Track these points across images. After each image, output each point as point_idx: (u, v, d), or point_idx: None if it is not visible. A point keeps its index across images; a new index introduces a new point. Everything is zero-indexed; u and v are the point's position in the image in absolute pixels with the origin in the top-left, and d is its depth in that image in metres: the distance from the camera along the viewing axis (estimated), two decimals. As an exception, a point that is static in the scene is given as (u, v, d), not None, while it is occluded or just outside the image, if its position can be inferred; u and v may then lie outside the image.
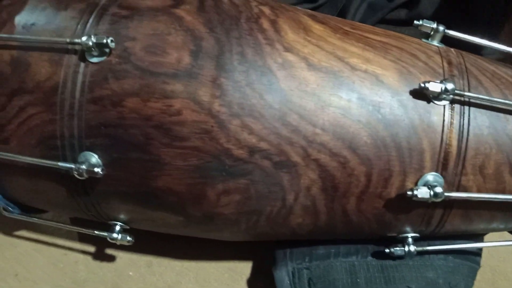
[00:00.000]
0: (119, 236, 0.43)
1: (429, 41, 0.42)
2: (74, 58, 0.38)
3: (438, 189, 0.37)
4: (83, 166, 0.37)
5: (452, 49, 0.42)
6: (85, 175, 0.37)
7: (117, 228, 0.43)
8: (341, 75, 0.37)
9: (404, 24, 0.65)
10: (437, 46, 0.41)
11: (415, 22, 0.41)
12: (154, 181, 0.38)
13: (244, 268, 0.53)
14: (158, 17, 0.38)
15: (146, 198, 0.39)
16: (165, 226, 0.43)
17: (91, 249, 0.54)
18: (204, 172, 0.37)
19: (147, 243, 0.51)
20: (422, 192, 0.37)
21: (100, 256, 0.54)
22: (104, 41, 0.36)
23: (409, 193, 0.37)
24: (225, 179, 0.37)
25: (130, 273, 0.51)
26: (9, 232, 0.55)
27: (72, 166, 0.37)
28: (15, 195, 0.45)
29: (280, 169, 0.36)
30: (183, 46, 0.37)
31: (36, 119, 0.38)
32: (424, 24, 0.41)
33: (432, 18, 0.42)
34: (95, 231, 0.44)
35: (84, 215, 0.44)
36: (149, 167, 0.37)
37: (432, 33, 0.41)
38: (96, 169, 0.37)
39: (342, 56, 0.37)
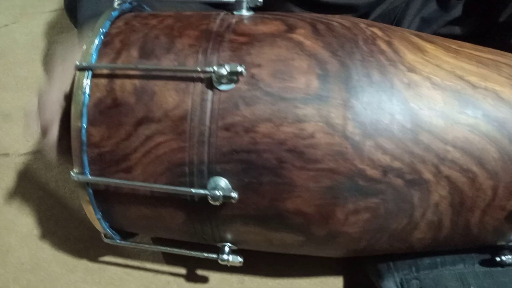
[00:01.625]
0: (230, 257, 0.43)
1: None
2: (200, 86, 0.38)
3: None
4: (219, 192, 0.37)
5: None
6: (221, 200, 0.37)
7: (227, 249, 0.44)
8: (464, 93, 0.38)
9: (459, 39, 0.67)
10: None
11: None
12: (283, 203, 0.38)
13: (336, 282, 0.53)
14: (277, 42, 0.39)
15: (271, 220, 0.40)
16: (280, 246, 0.43)
17: (181, 270, 0.54)
18: (336, 193, 0.37)
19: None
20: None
21: (192, 276, 0.54)
22: (238, 69, 0.36)
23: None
24: (357, 199, 0.38)
25: (225, 291, 0.51)
26: (96, 258, 0.55)
27: (206, 192, 0.38)
28: (121, 223, 0.45)
29: (411, 187, 0.37)
30: (309, 70, 0.38)
31: (164, 147, 0.38)
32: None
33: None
34: (204, 253, 0.45)
35: (194, 239, 0.45)
36: (280, 190, 0.38)
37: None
38: (232, 194, 0.37)
39: (461, 75, 0.39)
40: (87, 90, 0.39)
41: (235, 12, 0.43)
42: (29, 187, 0.61)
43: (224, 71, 0.37)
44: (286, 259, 0.53)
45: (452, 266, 0.45)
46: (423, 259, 0.46)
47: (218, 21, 0.42)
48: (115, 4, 0.45)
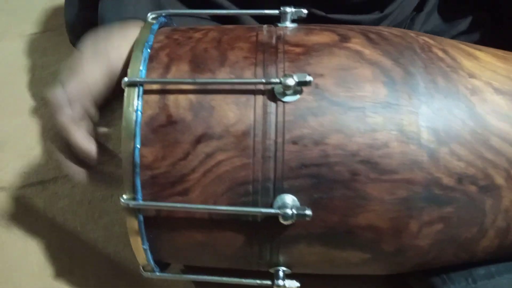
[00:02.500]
0: (286, 283, 0.40)
1: None
2: (262, 98, 0.36)
3: None
4: (291, 210, 0.35)
5: None
6: (293, 219, 0.35)
7: (281, 274, 0.41)
8: (525, 97, 0.38)
9: None
10: None
11: None
12: (355, 218, 0.36)
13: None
14: (336, 52, 0.38)
15: (339, 238, 0.37)
16: (340, 266, 0.41)
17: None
18: (411, 204, 0.36)
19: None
20: None
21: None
22: (307, 79, 0.35)
23: None
24: (431, 209, 0.36)
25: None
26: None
27: (277, 211, 0.35)
28: (166, 252, 0.41)
29: (484, 193, 0.36)
30: (374, 78, 0.37)
31: (226, 165, 0.36)
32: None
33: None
34: (257, 280, 0.41)
35: (245, 265, 0.41)
36: (352, 204, 0.36)
37: None
38: (307, 212, 0.35)
39: (518, 79, 0.39)
40: (140, 107, 0.36)
41: (279, 24, 0.42)
42: (35, 222, 0.56)
43: (291, 81, 0.35)
44: (328, 279, 0.51)
45: (509, 274, 0.44)
46: (477, 269, 0.45)
47: (265, 32, 0.40)
48: (149, 18, 0.42)
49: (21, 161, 0.62)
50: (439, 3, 0.65)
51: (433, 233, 0.37)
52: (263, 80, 0.35)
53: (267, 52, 0.38)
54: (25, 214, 0.57)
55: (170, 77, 0.37)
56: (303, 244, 0.38)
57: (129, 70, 0.37)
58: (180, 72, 0.38)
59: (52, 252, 0.53)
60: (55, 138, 0.42)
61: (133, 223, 0.37)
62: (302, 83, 0.35)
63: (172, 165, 0.36)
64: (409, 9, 0.64)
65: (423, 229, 0.37)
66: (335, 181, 0.35)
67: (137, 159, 0.36)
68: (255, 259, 0.40)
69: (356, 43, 0.39)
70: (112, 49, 0.41)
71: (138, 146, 0.36)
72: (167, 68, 0.38)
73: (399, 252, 0.39)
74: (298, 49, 0.38)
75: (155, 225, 0.38)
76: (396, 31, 0.41)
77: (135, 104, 0.36)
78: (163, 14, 0.43)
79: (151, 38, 0.39)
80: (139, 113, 0.36)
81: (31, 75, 0.80)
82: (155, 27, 0.40)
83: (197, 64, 0.38)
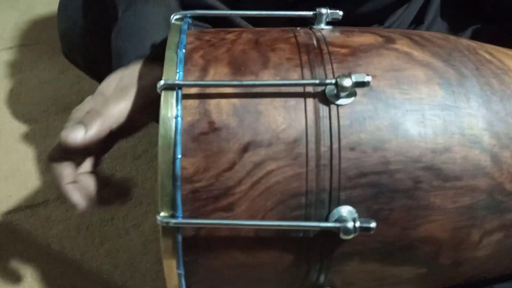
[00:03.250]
0: (329, 305, 0.37)
1: None
2: (313, 101, 0.33)
3: None
4: (353, 223, 0.31)
5: None
6: (356, 233, 0.32)
7: (326, 297, 0.37)
8: None
9: None
10: None
11: None
12: (415, 230, 0.33)
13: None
14: (384, 53, 0.36)
15: (396, 253, 0.34)
16: (390, 284, 0.38)
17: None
18: (473, 213, 0.33)
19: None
20: None
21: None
22: (366, 79, 0.32)
23: None
24: (493, 217, 0.34)
25: None
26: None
27: (338, 224, 0.32)
28: (201, 277, 0.36)
29: (545, 199, 0.35)
30: (429, 80, 0.34)
31: (277, 176, 0.32)
32: None
33: None
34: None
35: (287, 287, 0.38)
36: (413, 215, 0.33)
37: None
38: (372, 224, 0.31)
39: None
40: (180, 113, 0.32)
41: (314, 27, 0.39)
42: (27, 251, 0.50)
43: (348, 82, 0.32)
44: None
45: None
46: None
47: (302, 34, 0.38)
48: (173, 19, 0.39)
49: (5, 183, 0.55)
50: (440, 15, 0.65)
51: (493, 243, 0.35)
52: (317, 81, 0.32)
53: (312, 53, 0.35)
54: (15, 241, 0.50)
55: (209, 80, 0.34)
56: (356, 261, 0.35)
57: (164, 73, 0.34)
58: (219, 75, 0.34)
59: (51, 286, 0.47)
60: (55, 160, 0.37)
61: (169, 244, 0.33)
62: (359, 84, 0.32)
63: (215, 177, 0.32)
64: (408, 21, 0.64)
65: (484, 238, 0.35)
66: (396, 190, 0.33)
67: (178, 171, 0.31)
68: (300, 280, 0.36)
69: (403, 45, 0.37)
70: (139, 83, 0.38)
71: (179, 156, 0.31)
72: (204, 71, 0.34)
73: (455, 265, 0.36)
74: (344, 50, 0.36)
75: (193, 246, 0.34)
76: (436, 34, 0.40)
77: (174, 110, 0.32)
78: (188, 15, 0.39)
79: (184, 38, 0.35)
80: (179, 119, 0.32)
81: (9, 91, 0.74)
82: (185, 27, 0.37)
83: (237, 66, 0.35)
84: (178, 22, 0.38)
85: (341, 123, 0.33)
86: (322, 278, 0.36)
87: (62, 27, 0.57)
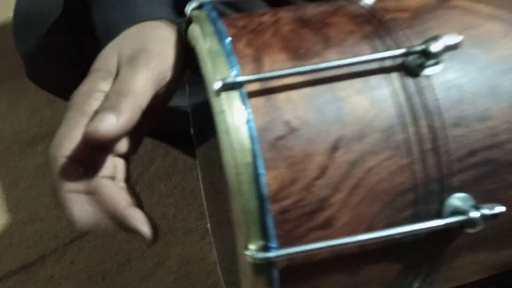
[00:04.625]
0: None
1: None
2: (397, 77, 0.27)
3: None
4: (479, 212, 0.26)
5: None
6: (483, 223, 0.26)
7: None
8: None
9: None
10: None
11: None
12: (531, 206, 0.29)
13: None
14: (447, 12, 0.31)
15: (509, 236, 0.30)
16: (496, 269, 0.33)
17: None
18: None
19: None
20: None
21: None
22: (457, 40, 0.26)
23: None
24: None
25: None
26: None
27: (462, 218, 0.26)
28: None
29: None
30: (508, 33, 0.30)
31: (379, 173, 0.26)
32: None
33: None
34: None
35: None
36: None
37: None
38: (497, 210, 0.26)
39: None
40: (251, 117, 0.25)
41: (351, -3, 0.34)
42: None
43: (437, 46, 0.26)
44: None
45: None
46: None
47: (347, 4, 0.32)
48: (190, 9, 0.31)
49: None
50: None
51: None
52: (403, 50, 0.27)
53: (373, 22, 0.30)
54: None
55: (267, 71, 0.27)
56: (467, 254, 0.30)
57: (208, 71, 0.26)
58: (278, 63, 0.27)
59: None
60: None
61: (261, 283, 0.26)
62: (450, 48, 0.27)
63: (305, 189, 0.26)
64: None
65: None
66: (509, 164, 0.28)
67: (265, 190, 0.24)
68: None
69: (459, 1, 0.32)
70: (155, 51, 0.30)
71: (263, 172, 0.25)
72: (257, 62, 0.27)
73: None
74: (405, 14, 0.30)
75: (289, 279, 0.27)
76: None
77: (243, 114, 0.25)
78: (207, 1, 0.32)
79: (221, 27, 0.28)
80: (252, 124, 0.25)
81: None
82: (214, 14, 0.30)
83: (295, 50, 0.28)
84: (197, 12, 0.31)
85: (436, 96, 0.27)
86: (427, 282, 0.31)
87: (26, 46, 0.47)
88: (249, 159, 0.24)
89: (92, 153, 0.29)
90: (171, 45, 0.32)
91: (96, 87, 0.30)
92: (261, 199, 0.24)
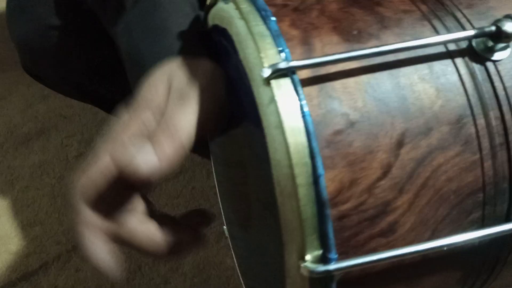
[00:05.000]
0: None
1: None
2: (463, 62, 0.24)
3: None
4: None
5: None
6: None
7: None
8: None
9: None
10: None
11: None
12: None
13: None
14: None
15: None
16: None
17: None
18: None
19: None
20: None
21: None
22: (533, 18, 0.24)
23: None
24: None
25: None
26: None
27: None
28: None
29: None
30: None
31: (447, 171, 0.23)
32: None
33: None
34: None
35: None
36: None
37: None
38: None
39: None
40: (306, 108, 0.22)
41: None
42: None
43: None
44: None
45: None
46: None
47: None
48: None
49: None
50: None
51: None
52: (473, 32, 0.24)
53: (428, 2, 0.27)
54: None
55: (320, 55, 0.24)
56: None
57: (251, 55, 0.23)
58: (330, 47, 0.24)
59: None
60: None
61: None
62: (525, 28, 0.24)
63: (367, 190, 0.22)
64: None
65: None
66: None
67: (325, 193, 0.21)
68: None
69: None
70: (204, 88, 0.26)
71: (322, 172, 0.21)
72: (307, 44, 0.24)
73: None
74: (461, -10, 0.27)
75: (345, 294, 0.24)
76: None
77: (296, 105, 0.22)
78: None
79: (263, 4, 0.25)
80: (308, 117, 0.21)
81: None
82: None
83: (347, 31, 0.25)
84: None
85: (505, 84, 0.24)
86: (486, 284, 0.28)
87: (22, 32, 0.42)
88: (307, 158, 0.21)
89: (119, 189, 0.25)
90: (217, 79, 0.29)
91: (139, 118, 0.26)
92: (320, 204, 0.21)
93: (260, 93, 0.23)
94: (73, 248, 0.42)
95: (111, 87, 0.47)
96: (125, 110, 0.26)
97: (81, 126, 0.59)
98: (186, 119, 0.25)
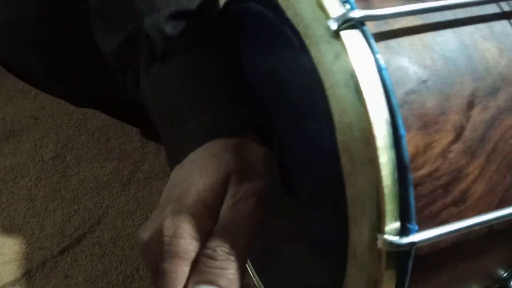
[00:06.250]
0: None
1: None
2: (519, 22, 0.23)
3: None
4: None
5: None
6: None
7: None
8: None
9: None
10: None
11: None
12: None
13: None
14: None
15: None
16: None
17: None
18: None
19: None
20: None
21: None
22: None
23: None
24: None
25: None
26: None
27: None
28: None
29: None
30: None
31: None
32: None
33: None
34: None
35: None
36: None
37: None
38: None
39: None
40: (382, 62, 0.19)
41: None
42: None
43: None
44: None
45: None
46: None
47: None
48: None
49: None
50: None
51: None
52: (535, -11, 0.23)
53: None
54: None
55: (379, 9, 0.21)
56: None
57: (310, 5, 0.20)
58: (388, 3, 0.22)
59: None
60: None
61: (391, 275, 0.20)
62: None
63: (441, 155, 0.20)
64: None
65: None
66: None
67: (407, 155, 0.19)
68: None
69: None
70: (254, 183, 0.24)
71: (404, 133, 0.19)
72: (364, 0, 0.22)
73: None
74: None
75: (415, 273, 0.22)
76: None
77: (370, 57, 0.19)
78: None
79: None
80: (385, 72, 0.19)
81: None
82: None
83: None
84: None
85: None
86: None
87: (2, 19, 0.37)
88: (386, 116, 0.19)
89: None
90: (273, 166, 0.26)
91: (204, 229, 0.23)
92: (403, 169, 0.19)
93: (322, 50, 0.20)
94: (60, 253, 0.36)
95: (93, 78, 0.42)
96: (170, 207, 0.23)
97: (56, 127, 0.53)
98: (246, 231, 0.22)
